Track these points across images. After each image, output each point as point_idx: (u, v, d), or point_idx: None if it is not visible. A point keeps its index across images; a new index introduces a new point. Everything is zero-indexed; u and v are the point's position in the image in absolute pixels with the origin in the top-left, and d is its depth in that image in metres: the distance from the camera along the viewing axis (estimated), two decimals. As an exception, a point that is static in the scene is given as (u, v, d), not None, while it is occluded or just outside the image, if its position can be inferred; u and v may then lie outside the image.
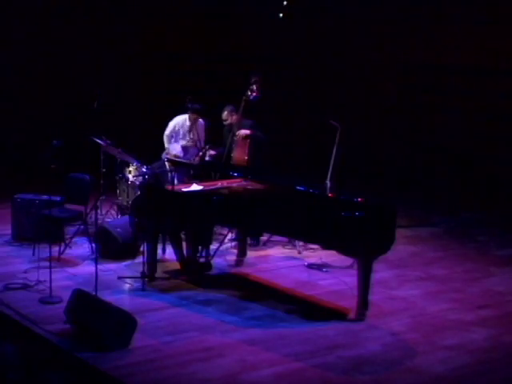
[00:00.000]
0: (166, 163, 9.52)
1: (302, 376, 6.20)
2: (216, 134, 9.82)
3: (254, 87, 9.25)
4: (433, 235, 10.58)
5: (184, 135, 9.99)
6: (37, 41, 13.93)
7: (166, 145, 10.06)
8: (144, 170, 9.42)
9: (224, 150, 9.32)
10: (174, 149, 9.59)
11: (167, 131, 10.09)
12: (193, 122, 9.89)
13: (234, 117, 9.36)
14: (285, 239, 9.53)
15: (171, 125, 10.08)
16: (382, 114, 13.81)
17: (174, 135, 10.05)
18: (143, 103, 14.54)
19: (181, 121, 10.04)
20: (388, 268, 8.77)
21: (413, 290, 8.21)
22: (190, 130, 9.91)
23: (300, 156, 13.13)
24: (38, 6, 13.83)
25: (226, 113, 9.48)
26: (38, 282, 7.88)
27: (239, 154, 9.25)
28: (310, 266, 8.90)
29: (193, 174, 9.40)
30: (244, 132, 9.21)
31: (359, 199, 7.49)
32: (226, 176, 8.76)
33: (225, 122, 9.51)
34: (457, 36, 12.91)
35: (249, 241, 9.37)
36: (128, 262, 8.80)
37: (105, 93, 10.36)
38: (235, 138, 9.32)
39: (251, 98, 9.22)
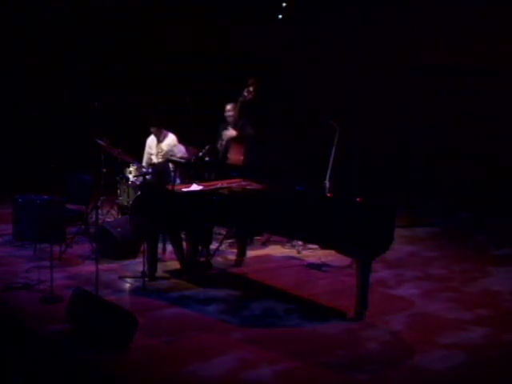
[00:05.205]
0: (170, 163, 9.54)
1: (302, 375, 6.23)
2: (213, 132, 9.84)
3: (251, 89, 9.32)
4: (431, 235, 10.62)
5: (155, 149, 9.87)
6: (37, 41, 13.97)
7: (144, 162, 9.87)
8: (144, 170, 9.46)
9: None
10: (180, 150, 9.60)
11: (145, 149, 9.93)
12: (156, 134, 9.65)
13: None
14: (284, 239, 9.57)
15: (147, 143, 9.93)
16: (381, 114, 13.84)
17: (149, 151, 9.85)
18: (144, 103, 14.56)
19: (150, 137, 9.83)
20: (386, 267, 8.82)
21: (411, 290, 8.25)
22: (158, 143, 9.72)
23: (299, 156, 13.15)
24: (40, 6, 13.90)
25: (230, 106, 9.45)
26: (39, 281, 7.91)
27: (235, 154, 9.32)
28: (310, 266, 8.94)
29: (193, 174, 9.44)
30: (230, 134, 9.30)
31: (358, 199, 7.53)
32: (225, 176, 8.81)
33: (228, 117, 9.48)
34: (457, 37, 12.95)
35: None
36: (128, 262, 8.84)
37: (105, 93, 10.41)
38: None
39: (247, 99, 9.29)
